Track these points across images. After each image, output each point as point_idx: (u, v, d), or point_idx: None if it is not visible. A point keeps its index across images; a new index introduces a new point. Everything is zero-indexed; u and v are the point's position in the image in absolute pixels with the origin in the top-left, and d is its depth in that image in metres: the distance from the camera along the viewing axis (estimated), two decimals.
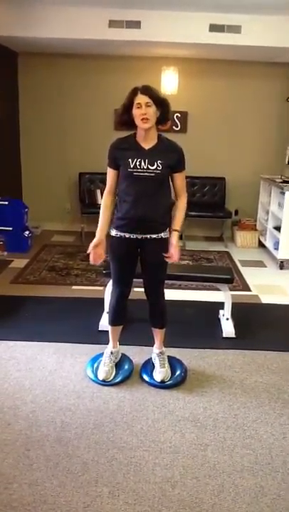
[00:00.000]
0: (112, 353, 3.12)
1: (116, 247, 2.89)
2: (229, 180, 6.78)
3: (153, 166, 2.70)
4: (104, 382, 2.98)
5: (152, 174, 2.70)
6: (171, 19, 5.07)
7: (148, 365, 3.15)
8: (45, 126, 6.71)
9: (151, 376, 3.05)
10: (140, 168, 2.70)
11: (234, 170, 6.77)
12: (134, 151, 2.73)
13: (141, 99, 2.61)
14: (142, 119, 2.63)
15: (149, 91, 2.64)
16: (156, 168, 2.70)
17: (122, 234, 2.84)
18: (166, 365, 3.08)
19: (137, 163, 2.70)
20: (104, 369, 3.02)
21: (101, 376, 2.99)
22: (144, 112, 2.61)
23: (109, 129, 6.36)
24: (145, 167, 2.70)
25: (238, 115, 6.62)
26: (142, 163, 2.69)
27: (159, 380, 2.99)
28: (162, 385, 2.98)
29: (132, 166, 2.70)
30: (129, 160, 2.70)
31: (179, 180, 2.85)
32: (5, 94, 6.06)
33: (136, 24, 5.09)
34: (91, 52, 6.14)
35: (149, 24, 5.09)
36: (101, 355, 3.15)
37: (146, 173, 2.70)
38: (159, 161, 2.70)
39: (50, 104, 6.62)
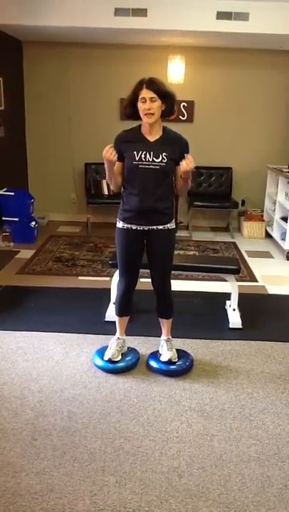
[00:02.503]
0: (118, 338, 3.14)
1: (122, 239, 2.90)
2: (236, 170, 6.73)
3: (158, 158, 2.69)
4: (110, 365, 3.00)
5: (157, 167, 2.70)
6: (177, 7, 5.00)
7: (155, 355, 3.16)
8: (51, 115, 6.67)
9: (158, 361, 3.06)
10: (145, 161, 2.70)
11: (241, 160, 6.72)
12: (139, 143, 2.73)
13: (146, 93, 2.61)
14: (146, 114, 2.64)
15: (154, 85, 2.62)
16: (161, 161, 2.70)
17: (129, 225, 2.85)
18: (174, 349, 3.10)
19: (142, 156, 2.69)
20: (110, 351, 3.05)
21: (107, 356, 3.02)
22: (148, 106, 2.61)
23: (115, 118, 6.33)
24: (150, 160, 2.69)
25: (245, 104, 6.55)
26: (148, 156, 2.69)
27: (166, 360, 3.01)
28: (169, 369, 2.99)
29: (137, 159, 2.70)
30: (134, 152, 2.70)
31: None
32: (10, 83, 6.03)
33: (142, 12, 5.03)
34: (96, 40, 6.08)
35: (156, 12, 5.02)
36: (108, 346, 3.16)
37: (151, 166, 2.70)
38: (164, 154, 2.70)
39: (55, 93, 6.58)
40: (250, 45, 5.96)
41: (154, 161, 2.69)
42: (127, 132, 2.80)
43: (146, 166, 2.70)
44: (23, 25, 5.21)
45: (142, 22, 5.07)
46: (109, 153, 2.65)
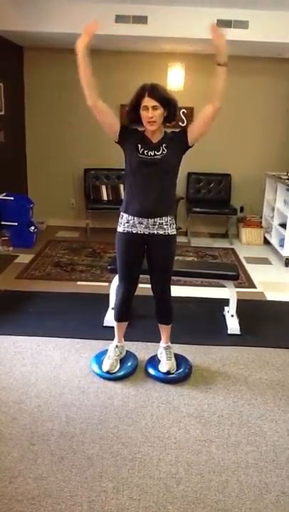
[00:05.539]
0: (116, 346, 3.14)
1: (123, 243, 2.90)
2: (235, 176, 6.75)
3: (159, 151, 2.73)
4: (108, 375, 2.99)
5: (159, 157, 2.73)
6: (178, 14, 5.04)
7: (153, 360, 3.16)
8: (51, 121, 6.70)
9: (156, 369, 3.06)
10: (148, 155, 2.73)
11: (240, 166, 6.74)
12: (143, 144, 2.76)
13: (148, 102, 2.62)
14: (149, 122, 2.66)
15: (156, 93, 2.63)
16: (161, 153, 2.73)
17: (129, 230, 2.85)
18: (173, 358, 3.10)
19: (145, 151, 2.73)
20: (109, 361, 3.04)
21: (105, 368, 3.01)
22: (150, 115, 2.64)
23: None
24: (152, 154, 2.73)
25: (244, 111, 6.58)
26: (149, 151, 2.73)
27: (164, 371, 3.00)
28: (167, 378, 2.99)
29: (140, 152, 2.73)
30: (139, 145, 2.74)
31: (196, 123, 2.81)
32: (10, 89, 6.05)
33: (142, 19, 5.06)
34: (97, 47, 6.06)
35: (156, 19, 5.06)
36: (106, 351, 3.16)
37: (152, 159, 2.72)
38: (164, 145, 2.74)
39: (55, 99, 6.60)
40: (250, 52, 5.99)
41: (156, 154, 2.73)
42: (137, 132, 2.81)
43: (148, 158, 2.72)
44: (24, 31, 5.24)
45: (142, 29, 5.11)
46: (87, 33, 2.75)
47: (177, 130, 2.83)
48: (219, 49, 2.66)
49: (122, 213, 2.89)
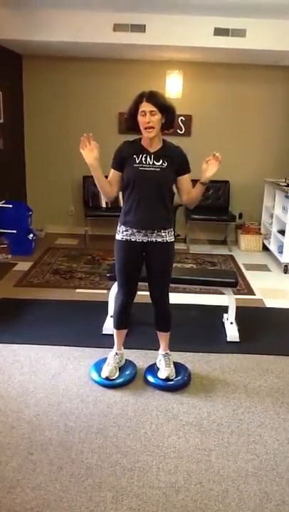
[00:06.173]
0: (116, 354, 3.13)
1: (121, 251, 2.90)
2: (233, 183, 6.77)
3: (158, 162, 2.74)
4: (107, 381, 2.98)
5: (158, 169, 2.73)
6: (175, 23, 5.07)
7: (152, 368, 3.15)
8: (50, 128, 6.72)
9: (155, 377, 3.05)
10: (146, 164, 2.73)
11: (238, 173, 6.76)
12: (140, 153, 2.76)
13: (146, 107, 2.63)
14: (146, 128, 2.67)
15: (154, 99, 2.65)
16: (161, 164, 2.74)
17: (128, 238, 2.85)
18: (172, 365, 3.09)
19: (143, 159, 2.74)
20: (108, 367, 3.04)
21: (104, 374, 3.00)
22: (148, 120, 2.64)
23: (114, 132, 6.38)
24: (151, 163, 2.74)
25: (243, 118, 6.61)
26: (148, 160, 2.74)
27: (163, 377, 2.99)
28: (166, 385, 2.98)
29: (137, 162, 2.73)
30: (135, 156, 2.74)
31: (186, 182, 2.85)
32: (9, 96, 6.07)
33: (141, 28, 5.10)
34: (95, 55, 6.15)
35: (154, 28, 5.09)
36: (105, 359, 3.14)
37: (151, 168, 2.73)
38: (164, 158, 2.74)
39: (54, 106, 6.62)
40: (247, 60, 6.03)
41: (155, 164, 2.73)
42: (129, 143, 2.82)
43: (147, 168, 2.73)
44: (23, 40, 5.27)
45: (140, 37, 5.14)
46: (87, 150, 2.74)
47: (185, 159, 2.83)
48: (208, 174, 2.79)
49: (120, 221, 2.90)
